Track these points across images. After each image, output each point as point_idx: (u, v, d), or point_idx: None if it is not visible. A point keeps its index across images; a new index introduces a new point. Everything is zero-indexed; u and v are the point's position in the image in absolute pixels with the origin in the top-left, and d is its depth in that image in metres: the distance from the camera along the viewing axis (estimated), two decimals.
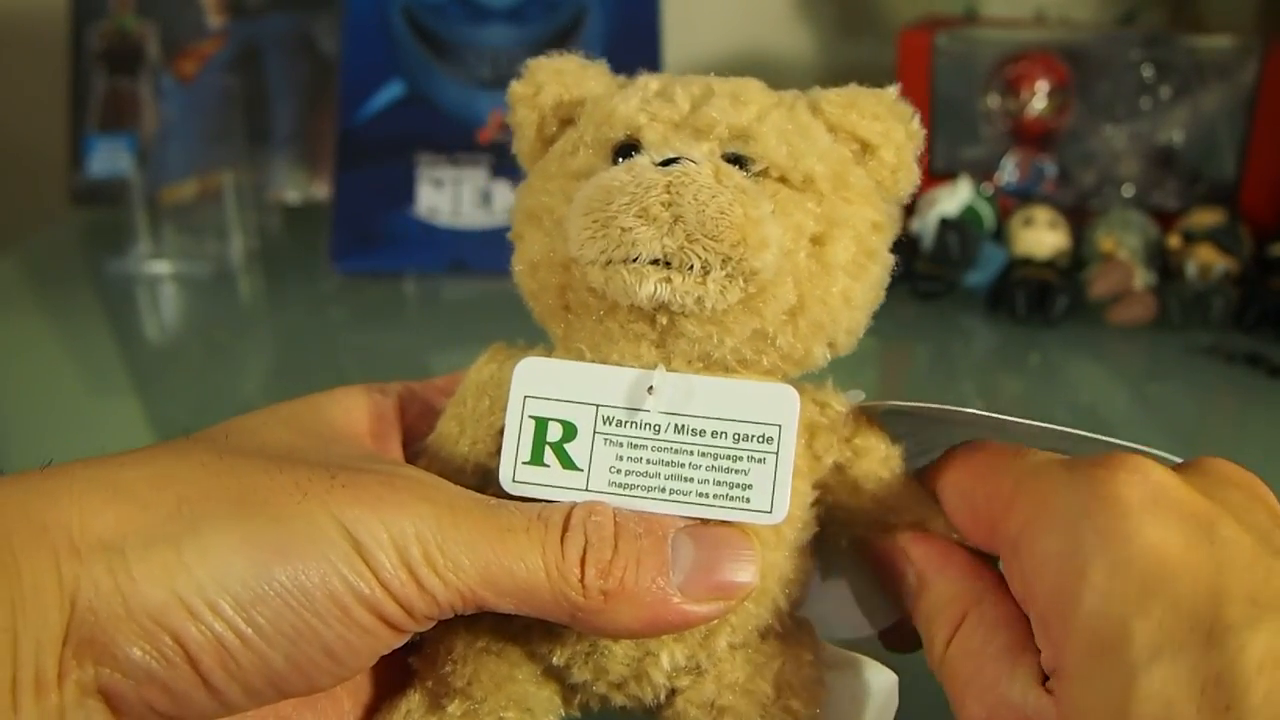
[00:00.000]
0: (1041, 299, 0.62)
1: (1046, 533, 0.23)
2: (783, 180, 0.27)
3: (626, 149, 0.27)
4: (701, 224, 0.24)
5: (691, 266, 0.24)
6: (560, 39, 0.77)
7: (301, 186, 0.83)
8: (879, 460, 0.28)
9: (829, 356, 0.28)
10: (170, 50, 0.84)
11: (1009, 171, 0.76)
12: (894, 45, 0.78)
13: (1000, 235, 0.68)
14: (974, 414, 0.27)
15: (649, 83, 0.29)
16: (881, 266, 0.28)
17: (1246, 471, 0.25)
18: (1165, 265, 0.65)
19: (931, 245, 0.66)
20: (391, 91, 0.75)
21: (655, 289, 0.24)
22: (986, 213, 0.68)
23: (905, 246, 0.66)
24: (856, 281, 0.27)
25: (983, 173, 0.75)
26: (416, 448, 0.30)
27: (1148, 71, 0.73)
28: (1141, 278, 0.63)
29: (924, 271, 0.66)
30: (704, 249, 0.24)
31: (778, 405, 0.26)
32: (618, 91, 0.29)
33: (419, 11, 0.77)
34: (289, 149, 0.83)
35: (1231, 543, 0.22)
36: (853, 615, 0.31)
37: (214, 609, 0.22)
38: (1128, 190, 0.74)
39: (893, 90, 0.29)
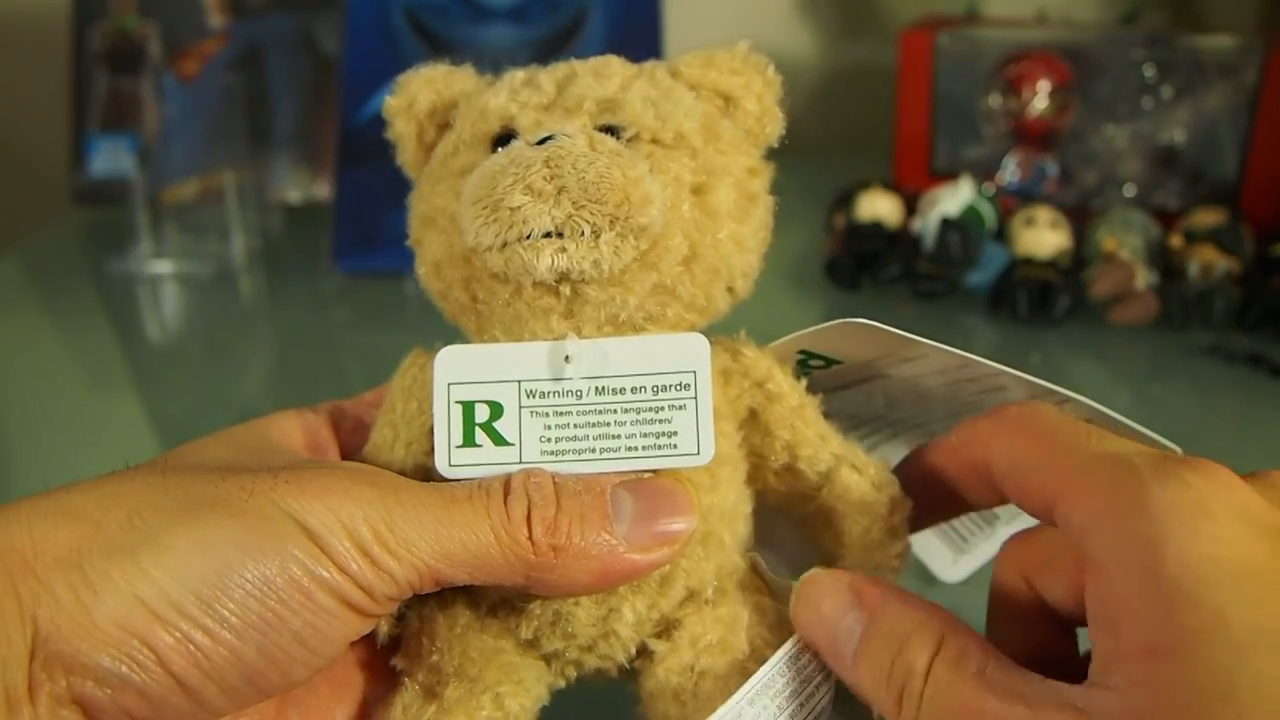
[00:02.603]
0: (1043, 299, 0.62)
1: (1126, 523, 0.23)
2: (655, 142, 0.28)
3: (504, 138, 0.29)
4: (584, 190, 0.25)
5: (583, 232, 0.25)
6: (561, 39, 0.77)
7: (303, 186, 0.83)
8: (791, 409, 0.29)
9: (730, 302, 0.29)
10: (172, 50, 0.84)
11: (1010, 171, 0.76)
12: (895, 45, 0.78)
13: (1002, 235, 0.68)
14: (867, 324, 0.28)
15: (515, 75, 0.30)
16: (763, 208, 0.30)
17: None
18: (1167, 265, 0.64)
19: (933, 245, 0.66)
20: None
21: (553, 260, 0.26)
22: (988, 212, 0.68)
23: (907, 246, 0.67)
24: (742, 225, 0.29)
25: (984, 172, 0.75)
26: (354, 460, 0.31)
27: (1149, 71, 0.73)
28: (1143, 278, 0.63)
29: (925, 271, 0.66)
30: (591, 213, 0.25)
31: (689, 352, 0.27)
32: (487, 88, 0.30)
33: (420, 11, 0.77)
34: (290, 149, 0.83)
35: None
36: (791, 554, 0.32)
37: (179, 609, 0.23)
38: (1129, 190, 0.74)
39: (744, 44, 0.31)
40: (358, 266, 0.73)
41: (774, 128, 0.30)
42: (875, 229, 0.69)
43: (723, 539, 0.28)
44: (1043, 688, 0.23)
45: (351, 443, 0.32)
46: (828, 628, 0.26)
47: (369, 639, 0.27)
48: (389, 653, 0.29)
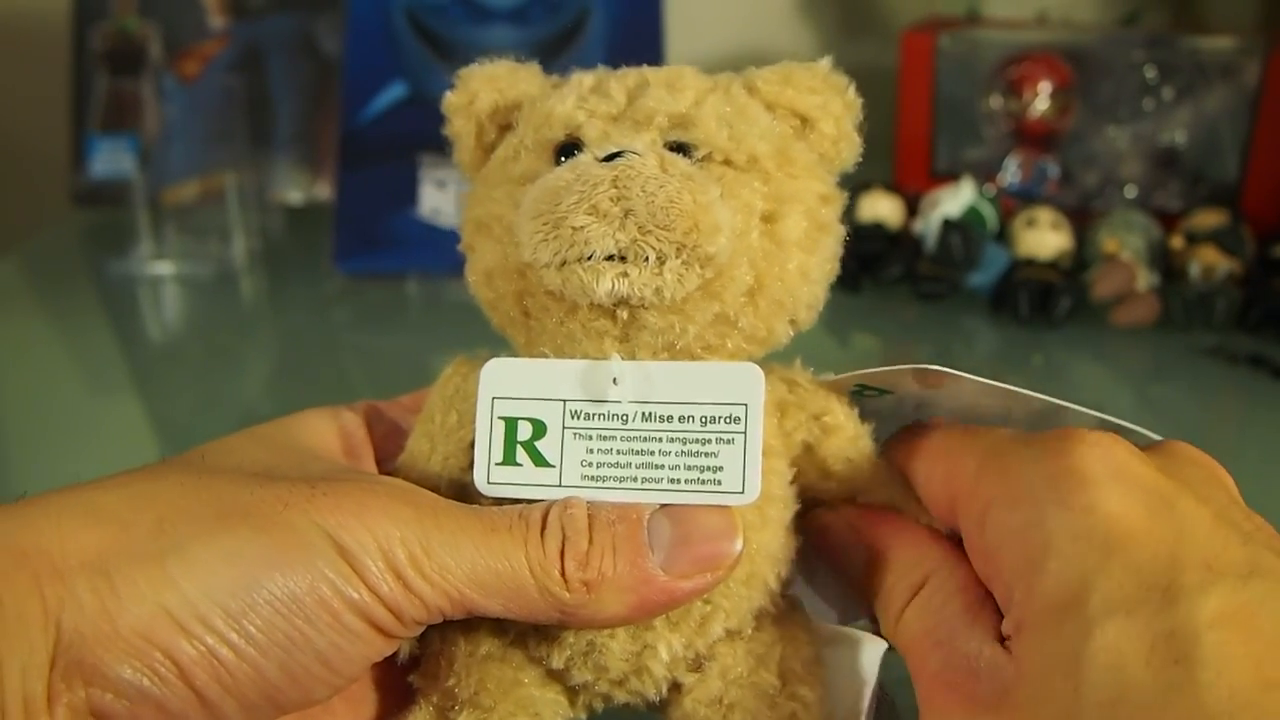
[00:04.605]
0: (1044, 300, 0.62)
1: (1012, 507, 0.24)
2: (727, 163, 0.27)
3: (568, 148, 0.27)
4: (652, 215, 0.24)
5: (647, 258, 0.24)
6: (563, 40, 0.76)
7: (304, 187, 0.83)
8: (848, 440, 0.28)
9: (791, 334, 0.28)
10: (172, 51, 0.84)
11: (1012, 172, 0.76)
12: (896, 46, 0.78)
13: (1003, 236, 0.68)
14: (939, 370, 0.27)
15: (583, 79, 0.29)
16: (833, 238, 0.28)
17: (1207, 454, 0.26)
18: (1168, 266, 0.64)
19: (934, 246, 0.66)
20: (394, 92, 0.75)
21: (613, 285, 0.25)
22: (989, 214, 0.68)
23: (908, 247, 0.67)
24: (811, 255, 0.27)
25: (985, 174, 0.75)
26: (388, 468, 0.30)
27: (1150, 72, 0.73)
28: (1144, 279, 0.63)
29: (927, 273, 0.66)
30: (657, 239, 0.24)
31: (742, 384, 0.26)
32: (553, 91, 0.29)
33: (421, 12, 0.76)
34: (291, 150, 0.83)
35: (1190, 514, 0.22)
36: (837, 599, 0.31)
37: (204, 622, 0.22)
38: (1130, 191, 0.74)
39: (825, 63, 0.29)
40: (359, 268, 0.73)
41: (850, 153, 0.29)
42: (876, 230, 0.69)
43: (766, 580, 0.27)
44: (969, 642, 0.24)
45: (385, 447, 0.31)
46: (840, 561, 0.28)
47: (389, 655, 0.26)
48: (407, 670, 0.28)
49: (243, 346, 0.67)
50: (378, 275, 0.73)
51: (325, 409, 0.31)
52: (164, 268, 0.76)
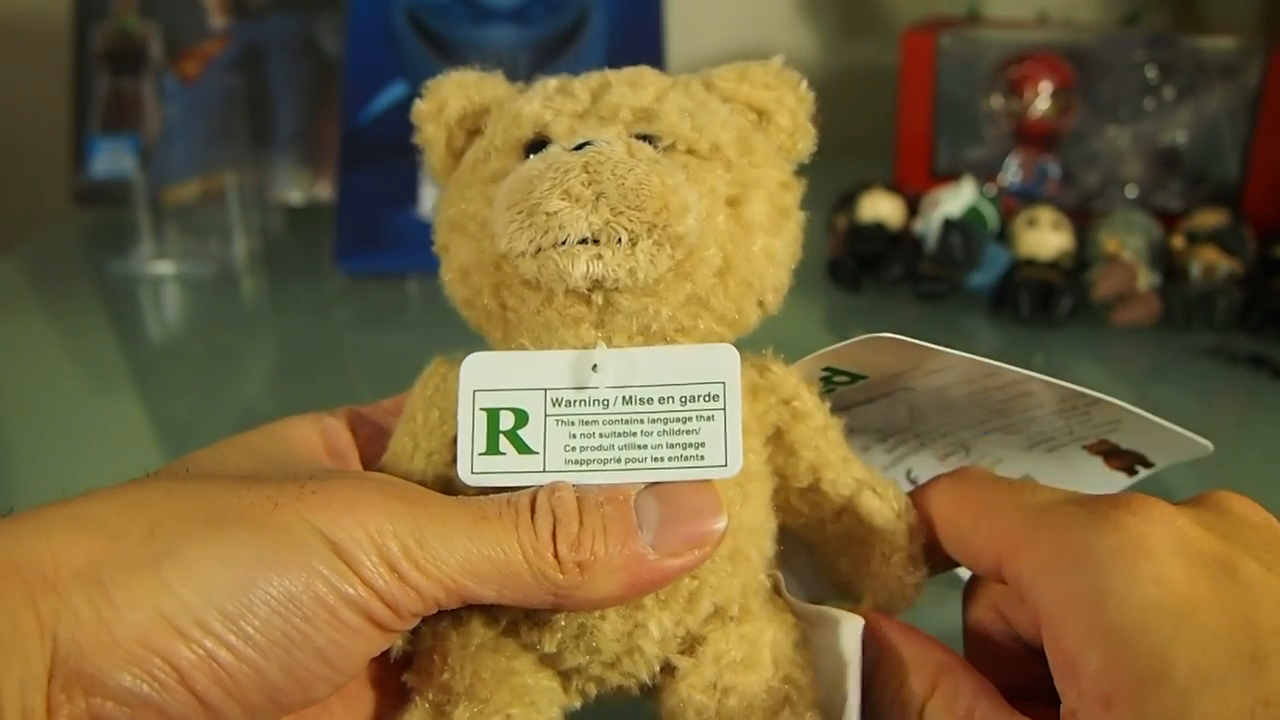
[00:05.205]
0: (1045, 300, 0.62)
1: (1072, 572, 0.24)
2: (691, 152, 0.28)
3: (537, 145, 0.28)
4: (623, 196, 0.25)
5: (620, 239, 0.25)
6: (563, 40, 0.76)
7: (305, 187, 0.83)
8: (816, 429, 0.29)
9: (760, 316, 0.29)
10: (173, 51, 0.84)
11: (1012, 172, 0.76)
12: (897, 46, 0.78)
13: (1004, 236, 0.68)
14: (899, 340, 0.27)
15: (548, 83, 0.30)
16: (795, 223, 0.29)
17: (1261, 508, 0.25)
18: (1169, 266, 0.64)
19: (935, 246, 0.66)
20: (395, 92, 0.75)
21: (588, 267, 0.25)
22: (990, 213, 0.68)
23: (909, 247, 0.67)
24: (775, 238, 0.28)
25: (986, 173, 0.75)
26: (372, 469, 0.30)
27: (1151, 72, 0.73)
28: (1145, 279, 0.63)
29: (927, 272, 0.66)
30: (629, 220, 0.25)
31: (719, 363, 0.27)
32: (519, 95, 0.30)
33: (422, 12, 0.77)
34: (292, 149, 0.83)
35: (1257, 582, 0.22)
36: (806, 580, 0.32)
37: (202, 625, 0.22)
38: (1131, 191, 0.74)
39: (778, 59, 0.30)
40: (359, 267, 0.73)
41: (806, 144, 0.30)
42: (877, 230, 0.69)
43: (750, 556, 0.28)
44: None
45: (369, 450, 0.31)
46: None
47: (382, 654, 0.27)
48: (401, 668, 0.28)
49: (243, 346, 0.67)
50: (378, 275, 0.73)
51: (307, 415, 0.31)
52: (164, 267, 0.76)
